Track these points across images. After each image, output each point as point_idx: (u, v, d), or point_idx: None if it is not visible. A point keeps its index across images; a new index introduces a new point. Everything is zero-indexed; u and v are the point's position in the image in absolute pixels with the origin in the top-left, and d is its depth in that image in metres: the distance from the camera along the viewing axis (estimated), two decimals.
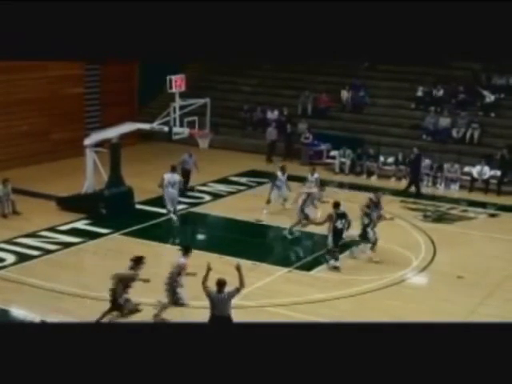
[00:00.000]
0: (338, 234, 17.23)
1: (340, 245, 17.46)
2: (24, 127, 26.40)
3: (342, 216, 17.23)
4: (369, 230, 17.81)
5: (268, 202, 21.39)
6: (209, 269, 12.31)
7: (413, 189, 24.64)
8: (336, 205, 17.41)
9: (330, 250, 17.37)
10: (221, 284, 12.20)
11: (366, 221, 17.81)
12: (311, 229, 19.31)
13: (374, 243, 17.76)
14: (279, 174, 21.67)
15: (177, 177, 20.66)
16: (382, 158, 27.05)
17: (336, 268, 17.13)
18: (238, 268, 12.23)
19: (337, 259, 17.25)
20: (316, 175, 21.65)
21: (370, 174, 26.98)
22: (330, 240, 17.26)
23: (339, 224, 17.11)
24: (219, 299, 12.18)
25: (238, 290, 12.27)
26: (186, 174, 23.25)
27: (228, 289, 12.24)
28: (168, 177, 20.34)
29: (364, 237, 17.95)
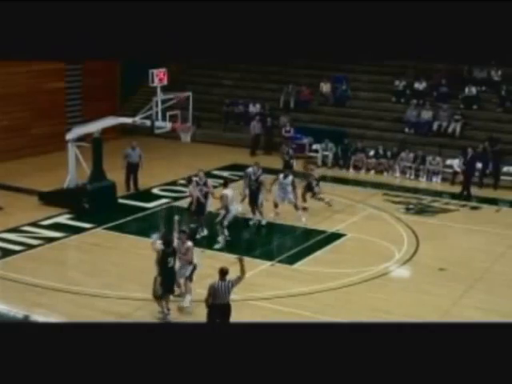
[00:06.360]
0: None
1: None
2: (4, 122, 26.20)
3: None
4: None
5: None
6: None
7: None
8: None
9: None
10: (224, 272, 12.56)
11: None
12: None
13: None
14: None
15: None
16: (371, 152, 27.05)
17: None
18: (241, 259, 12.62)
19: None
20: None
21: (356, 167, 27.03)
22: None
23: None
24: (224, 287, 12.49)
25: (239, 279, 12.64)
26: (131, 169, 23.11)
27: (230, 277, 12.61)
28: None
29: None
